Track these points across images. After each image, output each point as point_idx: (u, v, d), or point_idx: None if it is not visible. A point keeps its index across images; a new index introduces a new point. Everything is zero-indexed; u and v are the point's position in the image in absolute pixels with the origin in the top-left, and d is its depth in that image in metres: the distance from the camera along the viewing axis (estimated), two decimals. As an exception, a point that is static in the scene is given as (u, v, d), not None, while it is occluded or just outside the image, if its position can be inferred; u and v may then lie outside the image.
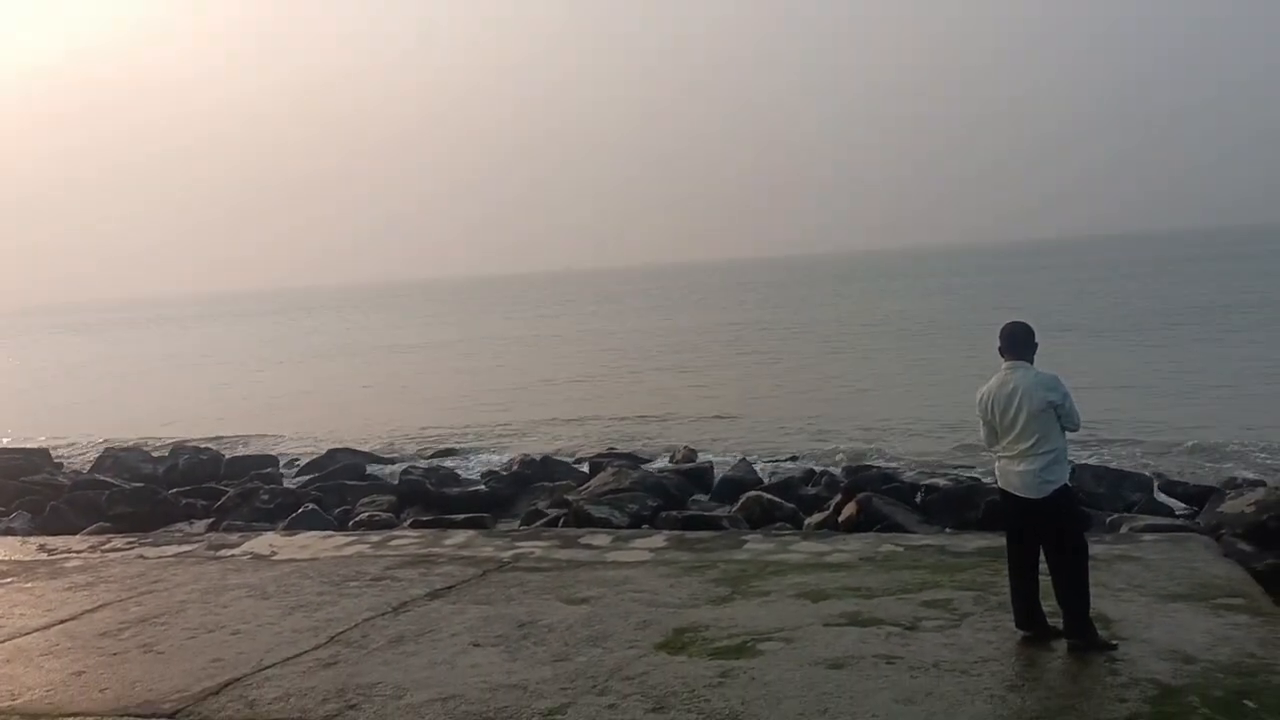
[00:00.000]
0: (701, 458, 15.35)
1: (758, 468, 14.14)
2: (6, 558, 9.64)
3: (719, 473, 13.74)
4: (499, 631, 6.36)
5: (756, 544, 8.38)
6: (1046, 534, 5.46)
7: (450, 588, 7.51)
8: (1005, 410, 5.50)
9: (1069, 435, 5.57)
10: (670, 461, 15.33)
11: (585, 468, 15.10)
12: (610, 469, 13.24)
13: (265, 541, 9.79)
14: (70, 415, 28.41)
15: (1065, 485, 5.45)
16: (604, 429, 20.69)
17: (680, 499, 12.07)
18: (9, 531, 11.74)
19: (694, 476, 13.38)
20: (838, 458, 15.26)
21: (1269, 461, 13.99)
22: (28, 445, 18.92)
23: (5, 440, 22.04)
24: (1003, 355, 5.63)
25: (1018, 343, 5.60)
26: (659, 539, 8.82)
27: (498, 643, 6.15)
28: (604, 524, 10.02)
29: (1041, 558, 5.53)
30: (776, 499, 11.09)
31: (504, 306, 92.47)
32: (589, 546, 8.66)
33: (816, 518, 10.38)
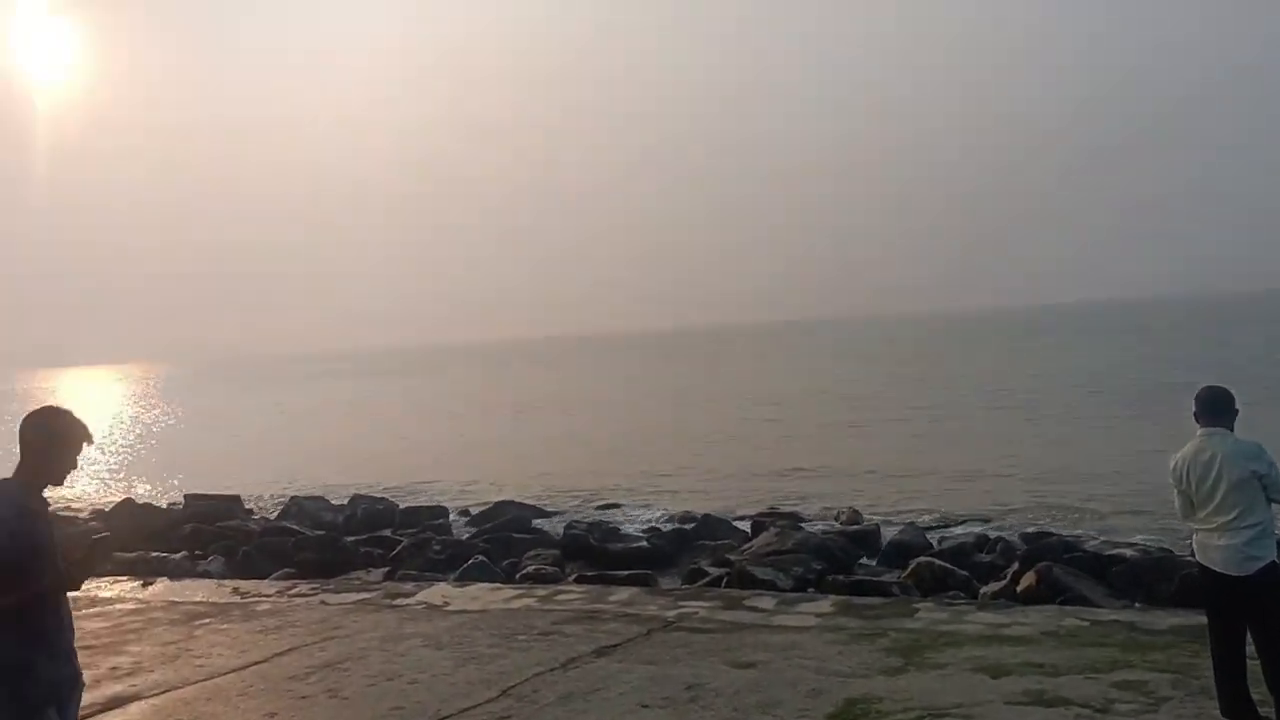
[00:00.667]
0: (867, 519, 15.03)
1: (927, 531, 13.72)
2: (205, 599, 10.31)
3: (886, 536, 13.42)
4: (666, 693, 6.35)
5: (929, 613, 8.11)
6: (1252, 613, 5.07)
7: (616, 645, 7.56)
8: (1203, 480, 5.17)
9: (1276, 508, 5.19)
10: (835, 523, 15.06)
11: (747, 527, 15.00)
12: (773, 529, 13.11)
13: (438, 592, 10.13)
14: (260, 462, 30.24)
15: (1273, 562, 5.06)
16: (764, 485, 20.53)
17: (846, 563, 11.82)
18: (206, 574, 12.55)
19: (860, 539, 13.11)
20: (1013, 523, 14.65)
21: None
22: (223, 493, 20.21)
23: (205, 487, 23.62)
24: (1199, 421, 5.31)
25: (1217, 408, 5.27)
26: (825, 604, 8.65)
27: (665, 704, 6.14)
28: (768, 586, 9.91)
29: (1249, 638, 5.14)
30: (949, 566, 10.71)
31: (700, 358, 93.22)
32: (753, 609, 8.57)
33: (992, 587, 9.96)
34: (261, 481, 25.42)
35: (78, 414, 3.67)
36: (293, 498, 19.17)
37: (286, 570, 12.45)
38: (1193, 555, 5.40)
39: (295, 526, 15.67)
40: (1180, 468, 5.29)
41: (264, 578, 11.88)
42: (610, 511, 18.34)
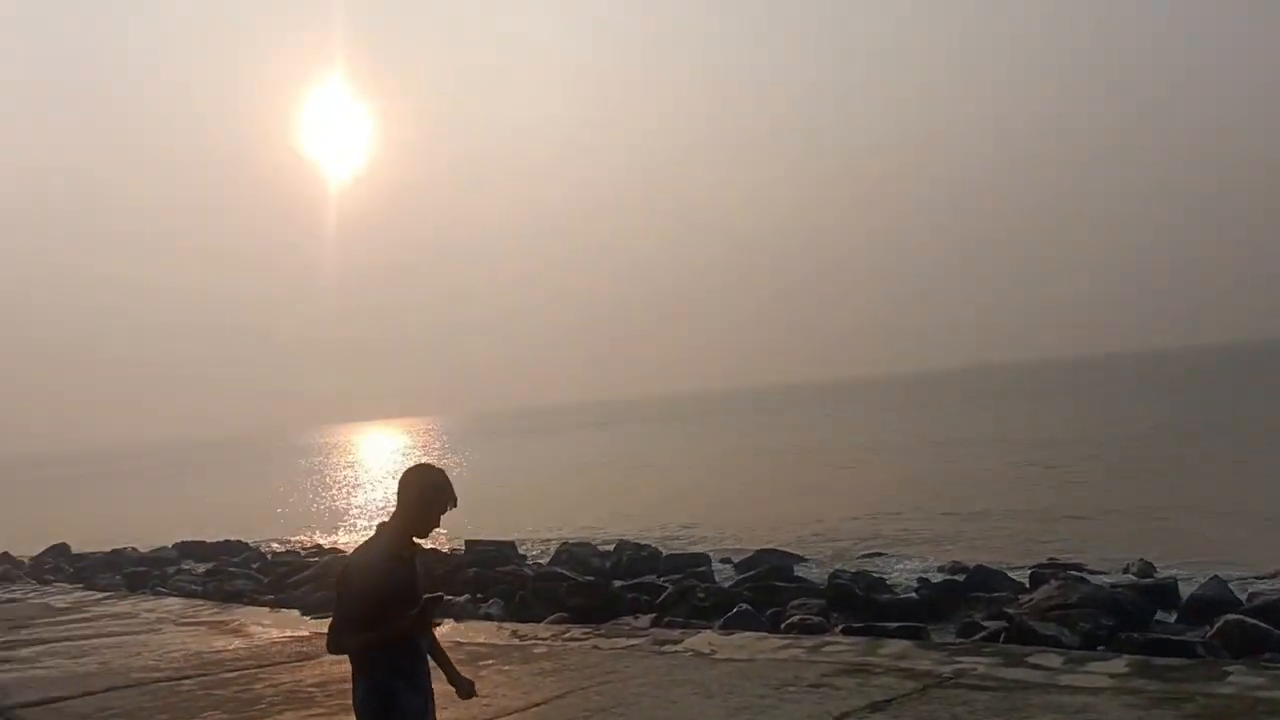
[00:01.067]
0: (1162, 572, 13.81)
1: (1234, 586, 12.39)
2: (486, 641, 10.93)
3: (1185, 590, 12.26)
4: (947, 753, 6.10)
5: (1242, 676, 7.29)
6: None
7: (890, 700, 7.34)
8: None
9: None
10: (1125, 574, 13.94)
11: (1023, 578, 14.16)
12: (1055, 581, 12.30)
13: (704, 639, 10.23)
14: (532, 509, 31.79)
15: None
16: (1039, 533, 19.34)
17: (1140, 619, 10.89)
18: (487, 616, 13.29)
19: (1155, 594, 12.04)
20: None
21: None
22: (499, 538, 21.38)
23: (483, 533, 25.10)
24: None
25: None
26: (1119, 663, 8.01)
27: (946, 765, 5.91)
28: (1052, 642, 9.30)
29: None
30: (1264, 625, 9.62)
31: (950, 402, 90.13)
32: (1038, 666, 8.07)
33: (1319, 650, 8.82)
34: (534, 527, 26.71)
35: (446, 476, 4.06)
36: (563, 543, 20.00)
37: (559, 614, 12.97)
38: None
39: (566, 572, 16.31)
40: None
41: (539, 621, 12.44)
42: (874, 560, 17.87)
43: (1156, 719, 6.42)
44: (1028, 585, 13.45)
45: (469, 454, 78.42)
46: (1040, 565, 14.88)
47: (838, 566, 16.79)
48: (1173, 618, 11.44)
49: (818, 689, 7.83)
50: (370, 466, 75.46)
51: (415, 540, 4.06)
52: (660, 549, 19.09)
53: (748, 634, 10.56)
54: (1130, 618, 10.72)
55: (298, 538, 28.55)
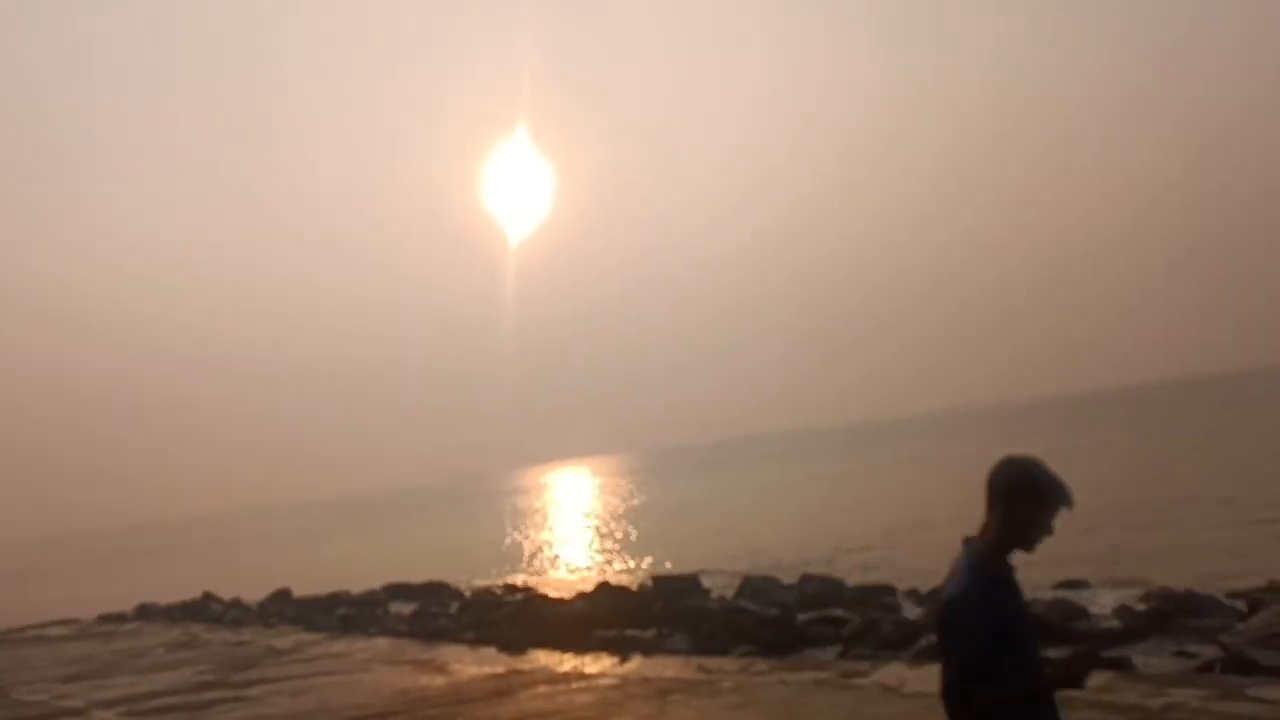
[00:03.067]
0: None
1: None
2: (674, 675, 10.95)
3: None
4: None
5: None
6: None
7: (1094, 735, 6.91)
8: None
9: None
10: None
11: (1239, 604, 13.02)
12: (1275, 607, 11.26)
13: (893, 673, 9.92)
14: (714, 543, 31.72)
15: None
16: (1255, 555, 17.75)
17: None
18: (674, 650, 13.30)
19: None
20: None
21: None
22: (684, 572, 21.39)
23: (668, 568, 25.23)
24: None
25: None
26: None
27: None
28: (1273, 673, 8.50)
29: None
30: None
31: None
32: (1260, 699, 7.41)
33: None
34: (717, 561, 26.61)
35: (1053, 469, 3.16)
36: (746, 576, 19.82)
37: (745, 648, 12.84)
38: None
39: (750, 605, 16.15)
40: None
41: (724, 654, 12.34)
42: (1074, 590, 16.82)
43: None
44: (1244, 610, 12.37)
45: (654, 489, 79.16)
46: (1258, 590, 13.64)
47: (1033, 595, 15.95)
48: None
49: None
50: (561, 505, 77.31)
51: (1009, 559, 3.15)
52: (844, 580, 18.64)
53: (936, 666, 10.16)
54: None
55: (496, 578, 29.46)
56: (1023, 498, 3.09)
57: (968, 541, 3.20)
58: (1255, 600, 12.71)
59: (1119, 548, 20.75)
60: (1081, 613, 13.97)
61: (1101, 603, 15.27)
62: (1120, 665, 9.98)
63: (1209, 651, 10.13)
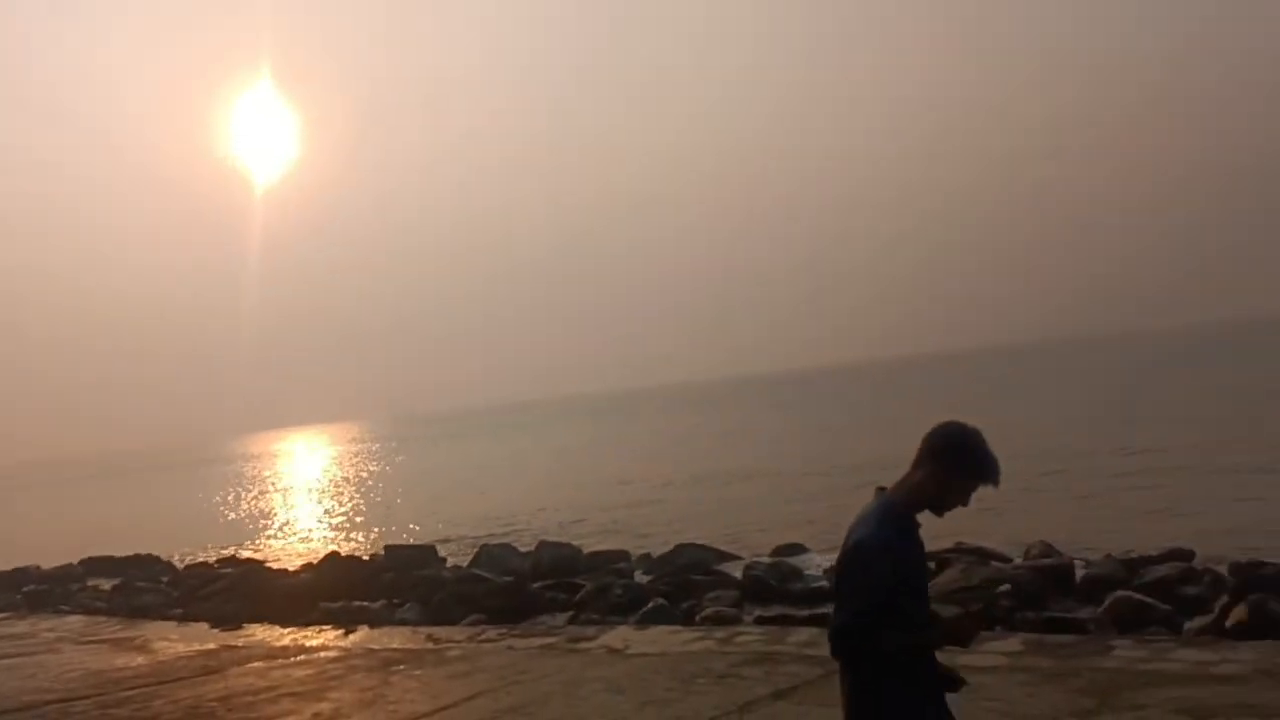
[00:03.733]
0: (1060, 552, 14.16)
1: (1126, 564, 12.76)
2: (401, 646, 10.78)
3: (1080, 570, 12.62)
4: (844, 736, 6.19)
5: (1126, 650, 7.60)
6: None
7: (795, 688, 7.44)
8: None
9: None
10: (1024, 558, 14.28)
11: (931, 564, 14.44)
12: (959, 565, 12.56)
13: (619, 635, 10.25)
14: (452, 512, 31.47)
15: None
16: (949, 521, 19.71)
17: (1037, 598, 11.20)
18: (403, 621, 13.10)
19: (1052, 574, 12.36)
20: (1222, 554, 13.47)
21: None
22: (420, 543, 21.11)
23: (404, 538, 24.78)
24: None
25: None
26: (1014, 642, 8.24)
27: (842, 748, 5.99)
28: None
29: None
30: (1149, 600, 9.97)
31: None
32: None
33: (1199, 622, 9.18)
34: (458, 530, 26.43)
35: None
36: (482, 545, 19.79)
37: (476, 616, 12.85)
38: None
39: (485, 573, 16.14)
40: None
41: (455, 624, 12.30)
42: (792, 555, 17.99)
43: (1045, 695, 6.62)
44: (933, 568, 13.71)
45: (401, 457, 77.38)
46: (947, 550, 15.16)
47: (754, 559, 16.93)
48: (1069, 597, 11.74)
49: (725, 679, 7.90)
50: (293, 473, 73.98)
51: (916, 516, 3.13)
52: (581, 547, 19.02)
53: (661, 628, 10.61)
54: (1028, 598, 11.01)
55: (211, 550, 27.80)
56: (954, 463, 3.07)
57: (880, 490, 3.19)
58: (942, 559, 14.10)
59: (845, 509, 22.33)
60: (797, 574, 15.00)
61: (817, 565, 16.45)
62: (826, 621, 10.80)
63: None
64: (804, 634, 9.33)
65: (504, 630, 11.21)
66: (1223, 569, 11.21)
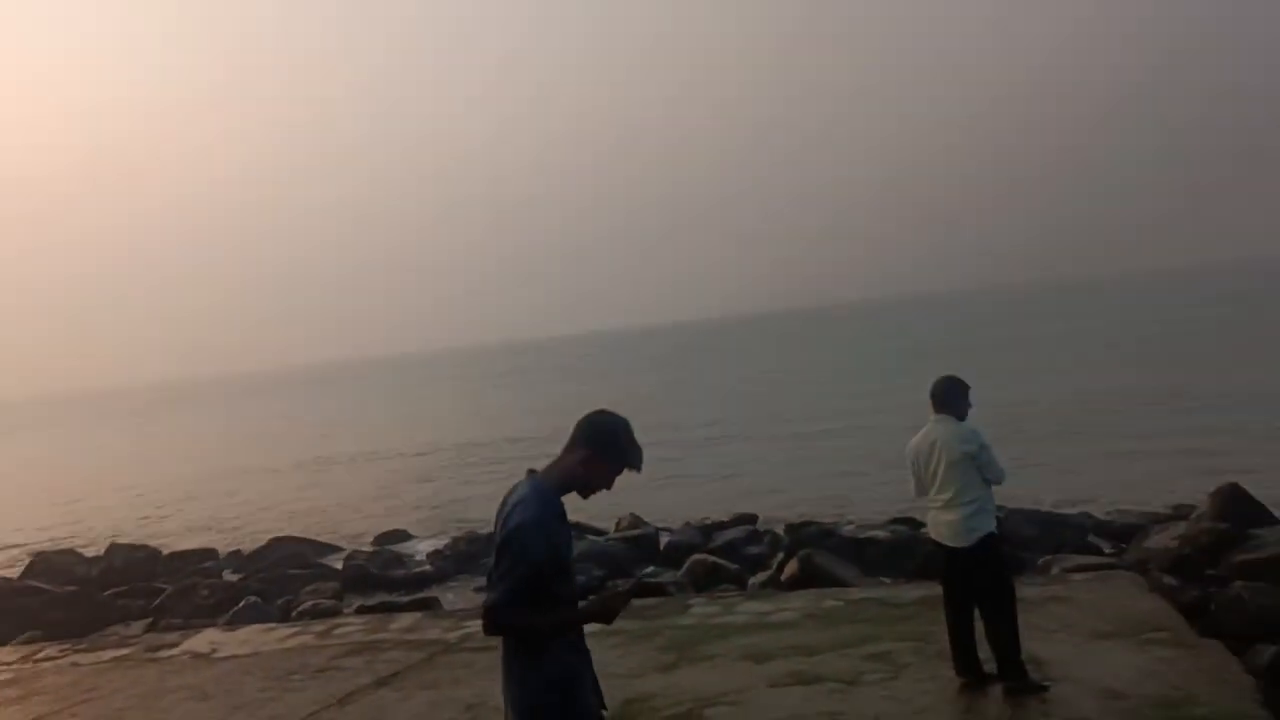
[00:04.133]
0: (646, 524, 15.29)
1: (703, 531, 14.10)
2: (-67, 676, 9.28)
3: (665, 538, 13.75)
4: (447, 716, 6.29)
5: (702, 607, 8.40)
6: (976, 581, 5.60)
7: (396, 674, 7.40)
8: (927, 462, 5.68)
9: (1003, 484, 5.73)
10: (615, 530, 15.26)
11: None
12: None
13: (205, 639, 9.57)
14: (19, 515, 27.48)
15: (991, 533, 5.61)
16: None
17: (627, 567, 12.07)
18: (-66, 647, 11.27)
19: (641, 543, 13.38)
20: (780, 516, 15.33)
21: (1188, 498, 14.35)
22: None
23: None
24: (932, 408, 5.81)
25: (945, 397, 5.78)
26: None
27: (444, 728, 6.08)
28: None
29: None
30: (721, 561, 11.14)
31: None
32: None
33: (761, 577, 10.45)
34: (6, 537, 23.14)
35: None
36: (39, 553, 17.52)
37: (31, 633, 11.39)
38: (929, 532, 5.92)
39: (42, 584, 14.31)
40: (910, 452, 5.81)
41: (3, 645, 10.81)
42: (396, 542, 17.78)
43: (633, 654, 7.13)
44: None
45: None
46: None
47: (355, 549, 16.56)
48: (655, 564, 12.76)
49: (324, 673, 7.68)
50: None
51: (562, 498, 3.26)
52: (160, 548, 17.47)
53: (254, 627, 10.05)
54: (619, 566, 11.85)
55: None
56: (603, 449, 3.23)
57: (531, 473, 3.27)
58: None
59: (458, 499, 22.32)
60: (399, 561, 14.90)
61: (419, 550, 16.41)
62: (428, 605, 10.88)
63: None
64: (407, 619, 9.31)
65: (66, 646, 10.02)
66: (780, 529, 12.85)
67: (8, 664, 9.39)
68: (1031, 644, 5.88)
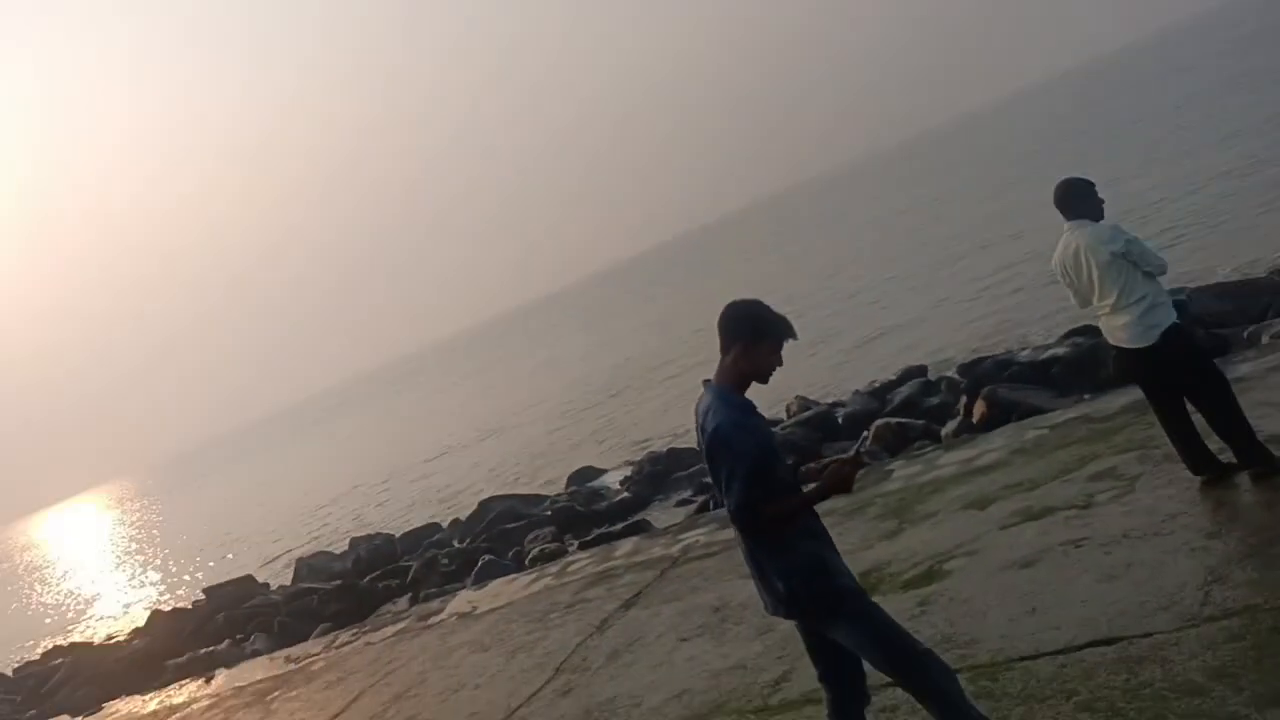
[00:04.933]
0: (815, 402, 14.94)
1: (873, 395, 13.51)
2: (265, 675, 10.05)
3: (840, 412, 13.30)
4: (698, 622, 6.31)
5: (903, 469, 8.08)
6: (1176, 377, 5.10)
7: (638, 595, 7.50)
8: (1079, 271, 5.15)
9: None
10: (788, 417, 14.93)
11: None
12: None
13: (463, 600, 9.99)
14: (248, 539, 29.45)
15: (1174, 324, 5.02)
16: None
17: (813, 449, 11.83)
18: (255, 653, 12.19)
19: (818, 424, 13.04)
20: (945, 360, 14.56)
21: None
22: (235, 576, 19.64)
23: (215, 577, 22.98)
24: (1063, 215, 5.29)
25: (1071, 201, 5.23)
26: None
27: (701, 632, 6.12)
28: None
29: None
30: (905, 420, 10.73)
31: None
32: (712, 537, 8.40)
33: (951, 425, 9.86)
34: (262, 555, 24.82)
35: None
36: (298, 559, 18.70)
37: (323, 626, 12.19)
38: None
39: (313, 584, 15.28)
40: (1057, 266, 5.29)
41: (306, 639, 11.62)
42: (589, 479, 18.02)
43: (852, 529, 6.89)
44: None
45: (163, 504, 71.28)
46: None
47: (557, 491, 16.91)
48: (838, 440, 12.42)
49: (574, 607, 7.87)
50: (76, 548, 66.62)
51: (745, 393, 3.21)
52: (392, 532, 18.34)
53: (499, 580, 10.43)
54: (805, 450, 11.61)
55: (34, 647, 24.56)
56: (754, 334, 3.16)
57: (707, 383, 3.23)
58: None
59: (611, 434, 22.42)
60: (598, 495, 15.08)
61: (611, 481, 16.56)
62: (640, 528, 10.95)
63: (702, 496, 11.49)
64: (627, 545, 9.41)
65: (355, 631, 10.68)
66: (952, 373, 12.10)
67: (316, 654, 10.07)
68: (1264, 422, 5.28)
